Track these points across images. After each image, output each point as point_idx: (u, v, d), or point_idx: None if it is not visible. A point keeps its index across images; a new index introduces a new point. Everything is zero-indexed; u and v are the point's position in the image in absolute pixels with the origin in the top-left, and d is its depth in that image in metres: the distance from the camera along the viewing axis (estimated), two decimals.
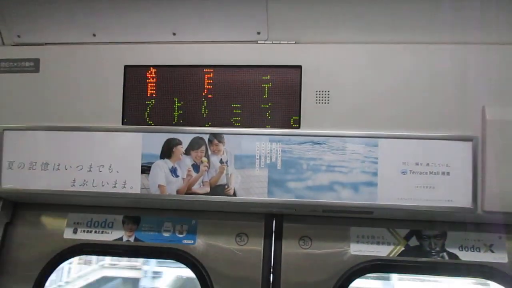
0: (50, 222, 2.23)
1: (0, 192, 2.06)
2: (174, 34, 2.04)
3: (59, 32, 2.11)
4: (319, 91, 1.92)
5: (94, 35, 2.09)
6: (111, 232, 2.18)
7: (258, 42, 2.00)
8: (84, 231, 2.19)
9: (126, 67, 2.03)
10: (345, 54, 1.93)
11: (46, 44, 2.12)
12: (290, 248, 2.06)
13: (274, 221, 2.12)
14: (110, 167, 1.98)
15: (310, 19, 1.96)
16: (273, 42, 1.99)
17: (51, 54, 2.10)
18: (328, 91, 1.91)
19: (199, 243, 2.12)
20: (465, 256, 1.98)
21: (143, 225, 2.17)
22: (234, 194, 1.91)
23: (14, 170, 2.04)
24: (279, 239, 2.09)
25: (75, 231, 2.19)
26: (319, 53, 1.94)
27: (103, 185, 1.98)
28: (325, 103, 1.91)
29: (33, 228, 2.22)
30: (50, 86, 2.07)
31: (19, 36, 2.14)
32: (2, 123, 2.06)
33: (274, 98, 1.94)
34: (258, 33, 1.99)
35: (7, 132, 2.05)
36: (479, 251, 1.98)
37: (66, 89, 2.06)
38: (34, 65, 2.09)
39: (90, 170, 1.99)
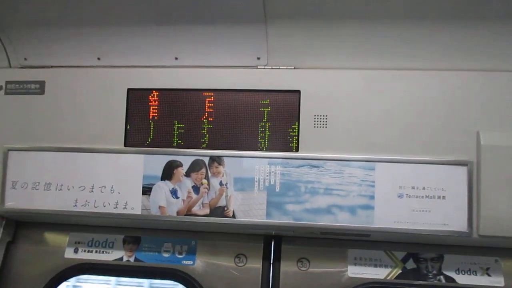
0: (51, 241, 2.26)
1: (3, 211, 2.09)
2: (176, 58, 2.10)
3: (64, 55, 2.16)
4: (317, 115, 1.96)
5: (98, 58, 2.15)
6: (112, 252, 2.20)
7: (258, 67, 2.05)
8: (85, 251, 2.21)
9: (129, 90, 2.08)
10: (342, 79, 1.97)
11: (52, 67, 2.18)
12: (289, 270, 2.08)
13: (272, 242, 2.14)
14: (112, 188, 2.01)
15: (308, 46, 2.01)
16: (273, 67, 2.04)
17: (56, 77, 2.15)
18: (326, 115, 1.95)
19: (198, 264, 2.14)
20: (462, 279, 1.99)
21: (144, 245, 2.19)
22: (233, 216, 1.94)
23: (17, 190, 2.07)
24: (277, 260, 2.11)
25: (76, 251, 2.22)
26: (317, 78, 1.99)
27: (104, 206, 2.01)
28: (323, 127, 1.95)
29: (35, 247, 2.25)
30: (54, 108, 2.12)
31: (25, 59, 2.20)
32: (7, 143, 2.11)
33: (273, 121, 1.98)
34: (258, 58, 2.04)
35: (12, 153, 2.10)
36: (476, 275, 1.99)
37: (70, 111, 2.11)
38: (40, 87, 2.14)
39: (92, 191, 2.02)
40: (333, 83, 1.98)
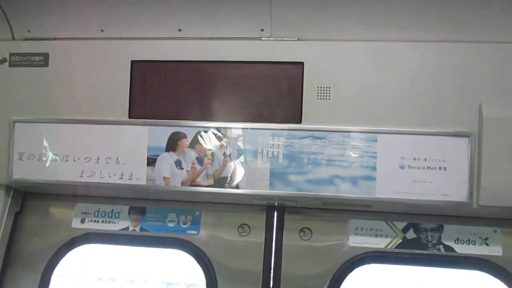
0: (58, 211, 2.31)
1: (11, 182, 2.13)
2: (179, 30, 2.09)
3: (68, 27, 2.16)
4: (320, 87, 1.96)
5: (102, 30, 2.14)
6: (118, 222, 2.25)
7: (262, 38, 2.05)
8: (91, 221, 2.26)
9: (133, 62, 2.09)
10: (345, 51, 1.97)
11: (56, 39, 2.18)
12: (291, 240, 2.13)
13: (275, 213, 2.18)
14: (117, 159, 2.04)
15: (312, 17, 2.00)
16: (276, 39, 2.03)
17: (60, 49, 2.15)
18: (329, 87, 1.96)
19: (202, 234, 2.18)
20: (461, 249, 2.04)
21: (149, 215, 2.24)
22: (237, 187, 1.97)
23: (24, 161, 2.10)
24: (280, 230, 2.15)
25: (82, 221, 2.26)
26: (321, 50, 1.99)
27: (110, 176, 2.04)
28: (326, 99, 1.96)
29: (42, 218, 2.30)
30: (59, 80, 2.13)
31: (29, 31, 2.20)
32: (13, 115, 2.13)
33: (276, 93, 1.99)
34: (262, 30, 2.03)
35: (18, 124, 2.12)
36: (475, 244, 2.03)
37: (74, 83, 2.12)
38: (44, 60, 2.15)
39: (97, 162, 2.05)
40: (336, 55, 1.98)
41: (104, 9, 2.11)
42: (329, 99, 1.96)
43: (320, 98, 1.96)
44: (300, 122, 1.96)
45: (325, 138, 1.93)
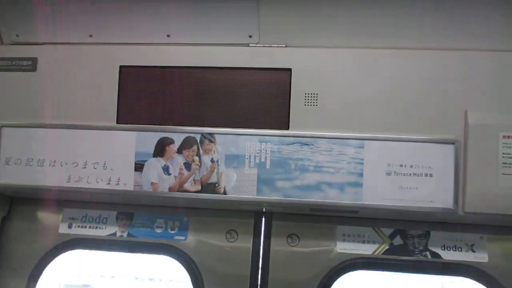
0: (46, 217, 2.29)
1: None
2: (168, 36, 2.10)
3: (57, 32, 2.15)
4: (308, 94, 1.97)
5: (90, 35, 2.14)
6: (105, 227, 2.23)
7: (250, 45, 2.06)
8: (78, 226, 2.25)
9: (121, 67, 2.09)
10: (333, 58, 1.98)
11: (44, 43, 2.17)
12: (278, 245, 2.12)
13: (263, 218, 2.18)
14: (104, 164, 2.03)
15: (300, 24, 2.02)
16: (264, 45, 2.04)
17: (48, 54, 2.15)
18: (317, 94, 1.97)
19: (190, 239, 2.18)
20: (447, 255, 2.04)
21: (136, 221, 2.23)
22: (225, 192, 1.97)
23: (11, 166, 2.09)
24: (268, 236, 2.15)
25: (70, 226, 2.25)
26: (309, 57, 2.00)
27: (97, 182, 2.03)
28: (313, 105, 1.97)
29: (29, 223, 2.28)
30: (47, 84, 2.12)
31: (17, 36, 2.19)
32: (0, 120, 2.11)
33: (264, 99, 2.00)
34: (250, 36, 2.04)
35: (5, 129, 2.10)
36: (461, 251, 2.04)
37: (62, 88, 2.11)
38: (32, 64, 2.14)
39: (85, 167, 2.04)
40: (324, 61, 1.99)
41: (93, 14, 2.11)
42: (316, 105, 1.96)
43: (308, 105, 1.97)
44: (287, 128, 1.97)
45: (313, 144, 1.94)
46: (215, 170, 1.98)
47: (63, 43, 2.16)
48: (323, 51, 2.00)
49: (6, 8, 2.14)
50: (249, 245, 2.14)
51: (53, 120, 2.09)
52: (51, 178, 2.06)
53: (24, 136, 2.09)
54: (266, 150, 1.95)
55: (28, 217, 2.29)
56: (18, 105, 2.13)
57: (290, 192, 1.93)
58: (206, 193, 1.98)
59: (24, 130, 2.10)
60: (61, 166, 2.06)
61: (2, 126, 2.10)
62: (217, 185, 1.97)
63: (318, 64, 1.99)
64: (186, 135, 2.00)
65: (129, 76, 2.08)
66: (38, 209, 2.30)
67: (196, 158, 1.99)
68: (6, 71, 2.15)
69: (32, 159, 2.08)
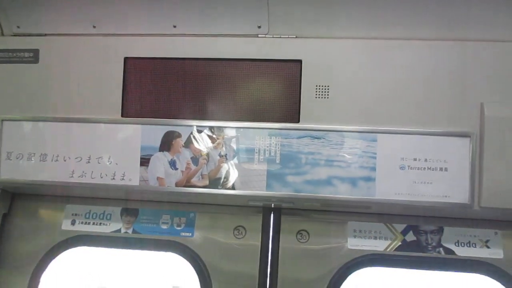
0: (48, 213, 2.24)
1: None
2: (174, 26, 2.04)
3: (59, 23, 2.10)
4: (319, 86, 1.92)
5: (94, 26, 2.09)
6: (109, 224, 2.18)
7: (259, 36, 2.00)
8: (82, 223, 2.19)
9: (126, 59, 2.03)
10: (345, 49, 1.93)
11: (46, 35, 2.12)
12: (288, 242, 2.07)
13: (272, 214, 2.12)
14: (109, 159, 1.98)
15: (311, 14, 1.96)
16: (274, 36, 1.99)
17: (50, 45, 2.09)
18: (328, 86, 1.92)
19: (197, 236, 2.13)
20: (461, 251, 2.00)
21: (141, 217, 2.18)
22: (233, 188, 1.91)
23: (12, 161, 2.03)
24: (276, 232, 2.10)
25: (73, 223, 2.20)
26: (320, 48, 1.94)
27: (101, 177, 1.98)
28: (324, 97, 1.92)
29: (31, 219, 2.23)
30: (49, 77, 2.07)
31: (18, 27, 2.13)
32: (1, 113, 2.06)
33: (273, 92, 1.94)
34: (259, 27, 1.99)
35: (6, 123, 2.05)
36: (475, 247, 2.00)
37: (65, 80, 2.05)
38: (34, 56, 2.09)
39: (89, 162, 1.99)
40: (335, 53, 1.94)
41: (96, 4, 2.05)
42: (328, 98, 1.91)
43: (319, 97, 1.92)
44: (298, 121, 1.92)
45: (324, 138, 1.89)
46: (223, 165, 1.93)
47: (65, 35, 2.10)
48: (335, 42, 1.94)
49: None
50: (258, 242, 2.09)
51: (56, 114, 2.03)
52: (54, 173, 2.01)
53: (26, 130, 2.04)
54: (276, 144, 1.90)
55: (30, 214, 2.23)
56: (20, 98, 2.07)
57: (300, 187, 1.88)
58: (214, 188, 1.93)
59: (26, 124, 2.04)
60: (64, 161, 2.01)
61: (3, 120, 2.05)
62: (225, 180, 1.92)
63: (330, 56, 1.93)
64: (193, 128, 1.95)
65: (134, 68, 2.02)
66: (40, 206, 2.25)
67: (204, 152, 1.93)
68: (7, 63, 2.10)
69: (34, 153, 2.02)
